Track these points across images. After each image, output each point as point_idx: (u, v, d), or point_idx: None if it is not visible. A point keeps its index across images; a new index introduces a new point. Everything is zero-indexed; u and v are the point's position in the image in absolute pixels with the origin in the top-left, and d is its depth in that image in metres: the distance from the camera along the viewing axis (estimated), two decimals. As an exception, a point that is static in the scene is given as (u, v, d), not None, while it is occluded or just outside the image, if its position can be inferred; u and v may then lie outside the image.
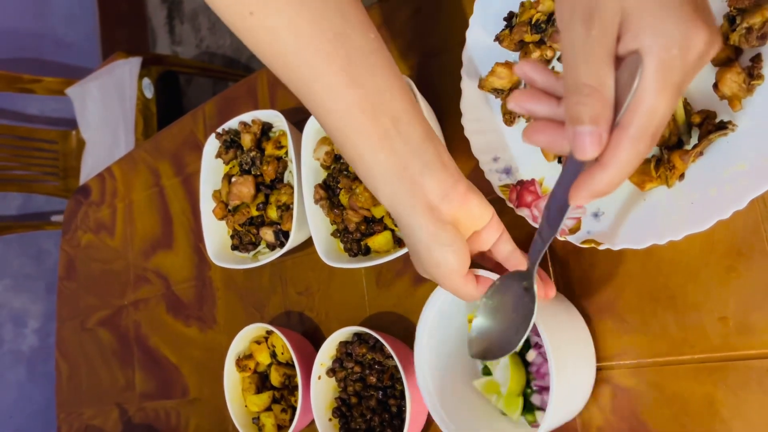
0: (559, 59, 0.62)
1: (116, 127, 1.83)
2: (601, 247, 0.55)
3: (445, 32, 0.72)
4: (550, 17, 0.59)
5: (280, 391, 0.81)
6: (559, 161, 0.61)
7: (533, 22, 0.60)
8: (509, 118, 0.63)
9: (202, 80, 2.30)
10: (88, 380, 1.19)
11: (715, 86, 0.51)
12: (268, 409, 0.80)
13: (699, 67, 0.37)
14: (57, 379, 1.26)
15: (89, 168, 1.90)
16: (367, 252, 0.71)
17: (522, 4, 0.62)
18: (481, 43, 0.66)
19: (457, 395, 0.60)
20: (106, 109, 1.86)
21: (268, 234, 0.80)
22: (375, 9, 0.80)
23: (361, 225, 0.70)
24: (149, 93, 1.82)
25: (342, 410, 0.72)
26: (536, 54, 0.61)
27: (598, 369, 0.58)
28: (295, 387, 0.80)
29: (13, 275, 2.07)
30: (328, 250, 0.73)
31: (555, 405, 0.49)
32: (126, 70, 1.80)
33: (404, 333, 0.73)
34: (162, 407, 1.03)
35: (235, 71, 2.13)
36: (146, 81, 1.81)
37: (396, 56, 0.77)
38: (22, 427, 1.96)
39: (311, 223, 0.73)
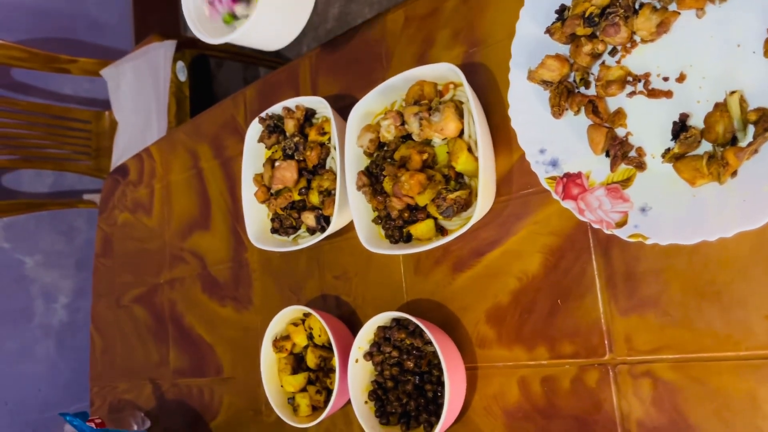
0: (610, 53, 0.62)
1: (149, 109, 1.85)
2: (648, 242, 0.55)
3: (494, 22, 0.73)
4: (604, 11, 0.59)
5: (315, 373, 0.83)
6: (607, 155, 0.61)
7: (586, 15, 0.60)
8: (557, 110, 0.63)
9: (233, 64, 2.32)
10: (122, 355, 1.22)
11: (773, 84, 0.51)
12: (303, 390, 0.82)
13: None
14: (91, 353, 1.30)
15: (121, 149, 1.93)
16: (408, 239, 0.72)
17: (575, -3, 0.62)
18: (531, 34, 0.66)
19: None
20: (139, 91, 1.89)
21: (309, 218, 0.81)
22: (421, -2, 0.80)
23: (404, 212, 0.71)
24: (183, 76, 1.84)
25: (378, 394, 0.73)
26: (588, 47, 0.61)
27: (638, 363, 0.59)
28: (330, 369, 0.82)
29: (44, 251, 2.12)
30: (369, 236, 0.74)
31: None
32: (161, 53, 1.82)
33: (441, 321, 0.74)
34: (195, 384, 1.05)
35: (266, 57, 2.14)
36: (180, 64, 1.83)
37: (443, 45, 0.77)
38: (50, 399, 2.01)
39: (353, 209, 0.74)
